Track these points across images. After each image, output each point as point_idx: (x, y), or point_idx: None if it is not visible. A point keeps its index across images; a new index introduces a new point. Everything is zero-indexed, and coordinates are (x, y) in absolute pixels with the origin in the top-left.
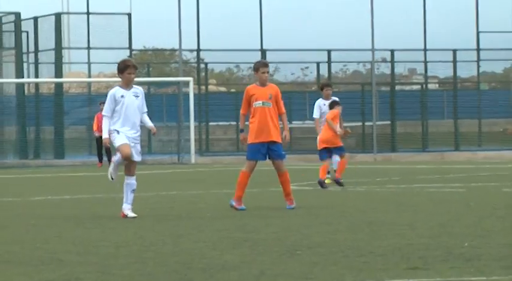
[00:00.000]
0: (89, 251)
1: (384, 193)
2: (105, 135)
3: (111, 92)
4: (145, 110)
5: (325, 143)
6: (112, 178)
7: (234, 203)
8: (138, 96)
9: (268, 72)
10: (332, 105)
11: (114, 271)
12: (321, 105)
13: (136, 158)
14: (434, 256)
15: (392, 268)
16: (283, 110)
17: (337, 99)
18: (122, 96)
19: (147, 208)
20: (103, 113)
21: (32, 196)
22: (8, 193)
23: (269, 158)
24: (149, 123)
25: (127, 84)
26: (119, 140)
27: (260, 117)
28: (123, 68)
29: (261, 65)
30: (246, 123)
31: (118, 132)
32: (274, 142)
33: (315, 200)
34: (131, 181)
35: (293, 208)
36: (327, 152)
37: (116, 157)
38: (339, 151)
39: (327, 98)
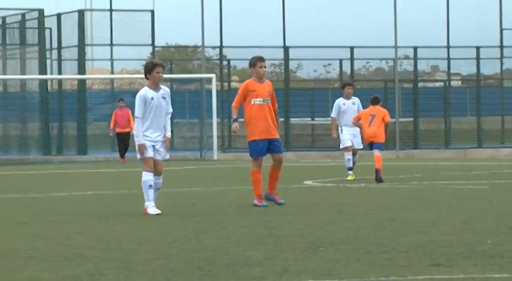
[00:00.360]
0: (112, 247)
1: (406, 190)
2: (140, 140)
3: (141, 93)
4: (171, 110)
5: (371, 138)
6: (158, 213)
7: (255, 202)
8: (165, 98)
9: (265, 66)
10: (376, 101)
11: (137, 267)
12: (340, 104)
13: (164, 156)
14: (457, 253)
15: (415, 265)
16: (276, 106)
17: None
18: (152, 98)
19: (169, 205)
20: (136, 114)
21: (54, 191)
22: (31, 189)
23: (269, 153)
24: (167, 132)
25: (155, 84)
26: (144, 152)
27: (261, 114)
28: (152, 67)
29: (258, 60)
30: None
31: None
32: (275, 138)
33: (338, 196)
34: (157, 181)
35: (283, 202)
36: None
37: (143, 178)
38: (380, 146)
39: (347, 97)
